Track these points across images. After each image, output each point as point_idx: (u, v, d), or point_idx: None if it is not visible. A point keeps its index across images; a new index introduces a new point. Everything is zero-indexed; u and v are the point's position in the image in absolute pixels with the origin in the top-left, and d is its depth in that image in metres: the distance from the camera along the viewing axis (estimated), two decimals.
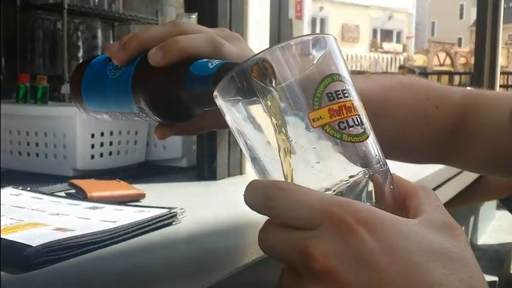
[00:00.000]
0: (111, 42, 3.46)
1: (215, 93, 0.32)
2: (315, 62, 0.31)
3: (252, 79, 0.30)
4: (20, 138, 0.86)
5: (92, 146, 0.83)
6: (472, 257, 0.29)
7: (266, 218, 0.31)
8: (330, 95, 0.30)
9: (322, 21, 24.68)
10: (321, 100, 0.30)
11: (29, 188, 0.68)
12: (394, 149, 0.55)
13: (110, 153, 0.87)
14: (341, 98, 0.30)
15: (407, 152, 0.58)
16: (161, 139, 0.47)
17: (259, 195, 0.30)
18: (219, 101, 0.32)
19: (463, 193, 1.27)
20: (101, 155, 0.85)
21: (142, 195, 0.69)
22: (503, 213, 2.44)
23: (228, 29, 0.49)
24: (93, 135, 0.83)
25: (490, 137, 0.56)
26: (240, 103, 0.31)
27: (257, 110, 0.31)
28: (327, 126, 0.29)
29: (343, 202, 0.28)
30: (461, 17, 32.98)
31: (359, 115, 0.31)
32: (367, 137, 0.31)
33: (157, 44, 0.40)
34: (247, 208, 0.82)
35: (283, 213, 0.29)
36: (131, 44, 0.42)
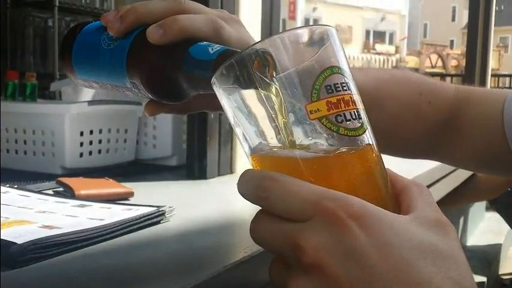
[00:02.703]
0: None
1: (213, 80, 0.32)
2: (315, 54, 0.31)
3: (251, 69, 0.30)
4: (8, 136, 0.85)
5: (81, 144, 0.83)
6: (462, 255, 0.29)
7: (257, 212, 0.31)
8: (328, 87, 0.30)
9: (315, 21, 24.69)
10: (319, 92, 0.29)
11: (16, 186, 0.68)
12: (386, 142, 0.55)
13: (99, 151, 0.86)
14: (340, 91, 0.30)
15: (399, 146, 0.58)
16: (151, 115, 0.46)
17: (252, 185, 0.30)
18: (217, 88, 0.32)
19: (452, 194, 1.28)
20: (90, 153, 0.84)
21: (131, 194, 0.68)
22: (492, 215, 2.46)
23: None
24: (82, 133, 0.83)
25: (481, 133, 0.56)
26: (237, 92, 0.31)
27: (254, 100, 0.30)
28: (324, 119, 0.29)
29: (335, 195, 0.28)
30: (453, 19, 33.20)
31: (357, 109, 0.30)
32: (364, 131, 0.30)
33: (157, 20, 0.39)
34: (236, 207, 0.82)
35: (275, 204, 0.29)
36: (129, 16, 0.40)
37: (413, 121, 0.56)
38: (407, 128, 0.57)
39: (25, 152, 0.84)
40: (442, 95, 0.57)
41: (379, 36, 27.53)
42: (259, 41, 0.31)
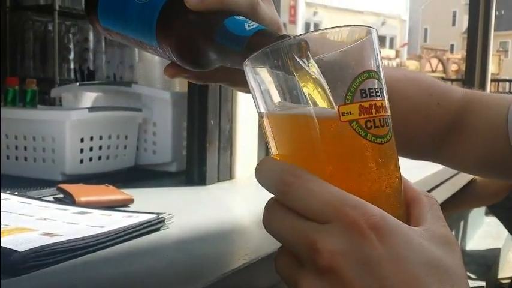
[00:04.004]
0: (103, 45, 3.47)
1: (246, 61, 0.31)
2: (353, 54, 0.31)
3: (288, 61, 0.30)
4: (9, 142, 0.86)
5: (81, 151, 0.83)
6: (464, 273, 0.29)
7: (271, 200, 0.31)
8: (363, 91, 0.30)
9: (316, 26, 24.75)
10: (353, 95, 0.29)
11: (16, 193, 0.68)
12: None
13: (99, 158, 0.87)
14: (373, 96, 0.30)
15: (406, 146, 0.58)
16: (170, 78, 0.45)
17: (274, 177, 0.30)
18: (248, 69, 0.32)
19: (451, 200, 1.28)
20: (90, 159, 0.85)
21: (131, 200, 0.69)
22: (492, 219, 2.46)
23: None
24: (82, 140, 0.83)
25: (484, 136, 0.57)
26: (269, 73, 0.31)
27: (285, 83, 0.30)
28: (354, 122, 0.29)
29: (357, 203, 0.28)
30: (453, 23, 33.26)
31: (386, 116, 0.31)
32: (389, 139, 0.31)
33: None
34: (235, 213, 0.82)
35: (294, 201, 0.29)
36: None
37: (422, 121, 0.57)
38: (416, 128, 0.57)
39: (25, 159, 0.84)
40: (451, 97, 0.58)
41: (380, 40, 27.42)
42: (299, 35, 0.31)
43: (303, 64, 0.30)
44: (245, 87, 0.50)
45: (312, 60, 0.30)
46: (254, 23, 0.38)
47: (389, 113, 0.31)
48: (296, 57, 0.30)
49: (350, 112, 0.29)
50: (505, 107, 0.55)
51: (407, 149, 0.59)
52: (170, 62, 0.44)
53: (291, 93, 0.30)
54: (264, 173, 0.30)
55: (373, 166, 0.30)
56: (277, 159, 0.31)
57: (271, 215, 0.30)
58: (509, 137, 0.54)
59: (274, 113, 0.31)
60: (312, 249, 0.28)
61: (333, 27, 0.31)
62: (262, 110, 0.32)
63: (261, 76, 0.31)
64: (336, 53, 0.30)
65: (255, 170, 0.31)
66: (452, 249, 0.29)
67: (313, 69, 0.30)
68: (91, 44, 3.23)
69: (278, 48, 0.30)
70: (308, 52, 0.30)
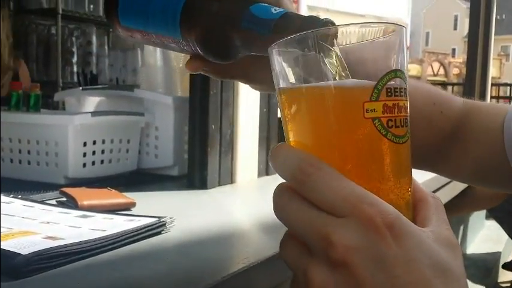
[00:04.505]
0: (106, 48, 3.48)
1: (274, 45, 0.31)
2: (382, 49, 0.31)
3: (315, 47, 0.30)
4: (12, 146, 0.87)
5: (84, 155, 0.84)
6: (465, 276, 0.30)
7: (283, 185, 0.31)
8: (389, 90, 0.30)
9: None
10: (380, 93, 0.29)
11: (20, 196, 0.69)
12: None
13: (102, 162, 0.87)
14: (397, 95, 0.30)
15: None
16: (191, 72, 0.46)
17: (292, 165, 0.30)
18: (274, 56, 0.32)
19: (450, 205, 1.29)
20: (93, 163, 0.86)
21: (133, 204, 0.70)
22: (492, 223, 2.47)
23: None
24: (85, 144, 0.84)
25: (481, 145, 0.57)
26: (295, 56, 0.31)
27: (311, 66, 0.31)
28: (376, 120, 0.29)
29: (374, 200, 0.28)
30: (455, 27, 33.25)
31: (407, 116, 0.31)
32: (407, 140, 0.31)
33: None
34: (235, 217, 0.83)
35: (312, 192, 0.29)
36: None
37: (426, 130, 0.57)
38: (420, 136, 0.57)
39: (29, 162, 0.85)
40: (452, 106, 0.59)
41: None
42: (325, 19, 0.31)
43: (329, 51, 0.30)
44: (260, 84, 0.50)
45: (337, 48, 0.30)
46: (279, 8, 0.38)
47: (408, 114, 0.31)
48: (324, 44, 0.30)
49: (374, 110, 0.29)
50: (502, 115, 0.56)
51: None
52: (191, 56, 0.44)
53: (315, 78, 0.30)
54: (280, 160, 0.30)
55: (389, 164, 0.30)
56: (295, 147, 0.31)
57: (285, 202, 0.30)
58: (504, 145, 0.55)
59: (293, 88, 0.31)
60: (326, 241, 0.28)
61: (364, 23, 0.31)
62: (283, 85, 0.32)
63: (286, 59, 0.31)
64: (366, 44, 0.31)
65: (271, 155, 0.31)
66: (455, 252, 0.30)
67: (338, 58, 0.30)
68: (94, 48, 3.25)
69: (306, 36, 0.30)
70: (335, 40, 0.30)
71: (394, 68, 0.30)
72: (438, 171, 0.65)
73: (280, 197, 0.30)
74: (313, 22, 0.36)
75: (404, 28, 0.32)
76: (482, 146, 0.57)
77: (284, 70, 0.32)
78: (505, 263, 2.24)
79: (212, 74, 0.48)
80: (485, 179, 0.62)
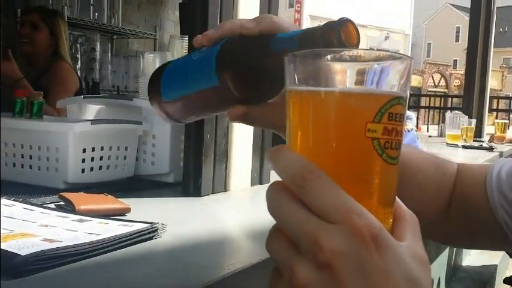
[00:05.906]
0: (109, 55, 3.53)
1: (294, 54, 0.34)
2: (389, 73, 0.33)
3: (329, 60, 0.33)
4: (15, 151, 0.90)
5: (83, 161, 0.87)
6: None
7: (278, 184, 0.33)
8: (391, 115, 0.32)
9: None
10: (382, 116, 0.32)
11: (20, 199, 0.72)
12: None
13: (100, 168, 0.90)
14: (397, 121, 0.33)
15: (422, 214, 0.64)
16: (234, 120, 0.51)
17: (293, 169, 0.32)
18: (288, 59, 0.34)
19: None
20: (92, 169, 0.89)
21: (128, 210, 0.73)
22: None
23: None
24: (84, 150, 0.87)
25: (470, 204, 0.62)
26: (307, 74, 0.34)
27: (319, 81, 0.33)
28: (376, 140, 0.32)
29: (361, 212, 0.31)
30: (457, 39, 33.32)
31: (401, 140, 0.34)
32: (397, 162, 0.34)
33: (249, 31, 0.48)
34: (226, 224, 0.86)
35: (308, 197, 0.31)
36: (225, 25, 0.49)
37: (434, 192, 0.63)
38: (431, 198, 0.63)
39: (30, 167, 0.89)
40: (451, 168, 0.65)
41: None
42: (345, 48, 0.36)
43: (339, 66, 0.33)
44: None
45: (350, 64, 0.33)
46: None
47: (402, 139, 0.34)
48: (336, 58, 0.34)
49: (375, 130, 0.32)
50: (483, 174, 0.61)
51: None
52: (231, 106, 0.49)
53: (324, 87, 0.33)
54: (282, 163, 0.32)
55: (379, 181, 0.33)
56: (298, 154, 0.33)
57: (281, 200, 0.32)
58: (489, 199, 0.59)
59: (301, 92, 0.33)
60: (316, 244, 0.30)
61: (377, 50, 0.35)
62: (291, 87, 0.34)
63: (301, 68, 0.34)
64: (377, 65, 0.33)
65: (271, 156, 0.33)
66: (426, 268, 0.33)
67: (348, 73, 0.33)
68: (98, 54, 3.30)
69: (321, 51, 0.34)
70: (347, 56, 0.34)
71: (398, 95, 0.33)
72: (434, 237, 0.69)
73: (275, 196, 0.32)
74: (331, 26, 0.41)
75: (412, 59, 0.34)
76: (470, 203, 0.62)
77: (294, 75, 0.34)
78: (506, 278, 2.25)
79: (254, 120, 0.52)
80: (480, 240, 0.66)
